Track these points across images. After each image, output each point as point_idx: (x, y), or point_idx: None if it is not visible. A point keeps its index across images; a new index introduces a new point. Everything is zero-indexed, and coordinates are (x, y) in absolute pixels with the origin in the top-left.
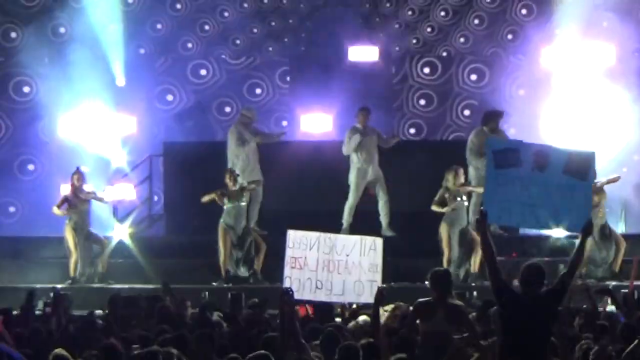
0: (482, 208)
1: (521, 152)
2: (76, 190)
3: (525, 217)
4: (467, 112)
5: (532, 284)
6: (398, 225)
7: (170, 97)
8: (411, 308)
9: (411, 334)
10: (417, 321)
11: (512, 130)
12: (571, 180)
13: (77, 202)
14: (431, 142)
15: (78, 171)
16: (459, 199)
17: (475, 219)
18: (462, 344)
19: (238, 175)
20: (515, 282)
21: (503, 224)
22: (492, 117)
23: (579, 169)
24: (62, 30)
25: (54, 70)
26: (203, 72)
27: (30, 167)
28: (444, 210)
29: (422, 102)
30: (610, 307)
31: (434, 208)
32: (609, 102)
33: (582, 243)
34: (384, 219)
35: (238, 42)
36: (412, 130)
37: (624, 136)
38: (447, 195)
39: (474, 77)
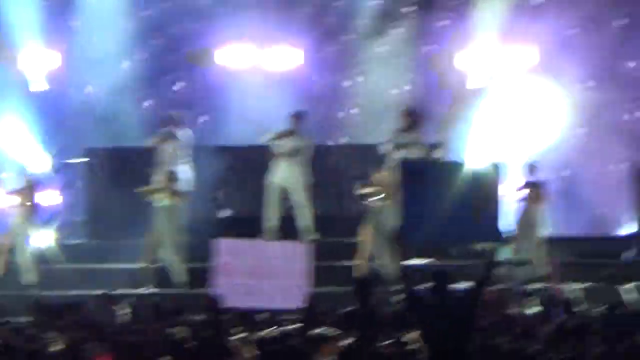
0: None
1: (429, 170)
2: None
3: (439, 232)
4: None
5: (438, 289)
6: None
7: None
8: None
9: None
10: None
11: None
12: (478, 193)
13: None
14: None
15: None
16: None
17: None
18: None
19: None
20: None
21: (420, 240)
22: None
23: (486, 183)
24: None
25: None
26: None
27: None
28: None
29: None
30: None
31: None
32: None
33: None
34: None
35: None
36: None
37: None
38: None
39: None
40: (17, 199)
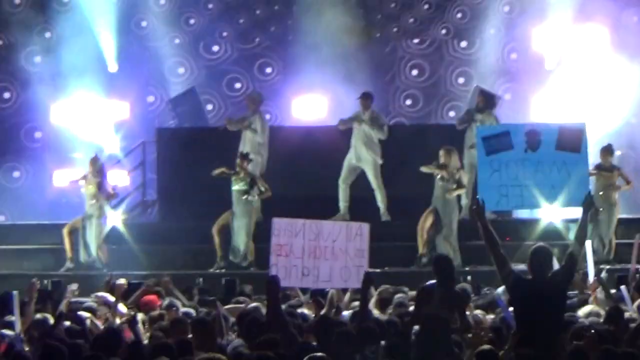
0: (478, 197)
1: (511, 135)
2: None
3: (523, 199)
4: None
5: (541, 268)
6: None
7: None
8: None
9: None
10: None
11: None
12: (565, 155)
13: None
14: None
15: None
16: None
17: (472, 209)
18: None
19: (250, 160)
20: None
21: (502, 210)
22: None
23: (571, 143)
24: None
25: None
26: (181, 70)
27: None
28: (435, 171)
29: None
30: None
31: (424, 169)
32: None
33: (585, 217)
34: (380, 204)
35: (225, 34)
36: (409, 102)
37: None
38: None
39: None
40: (89, 180)
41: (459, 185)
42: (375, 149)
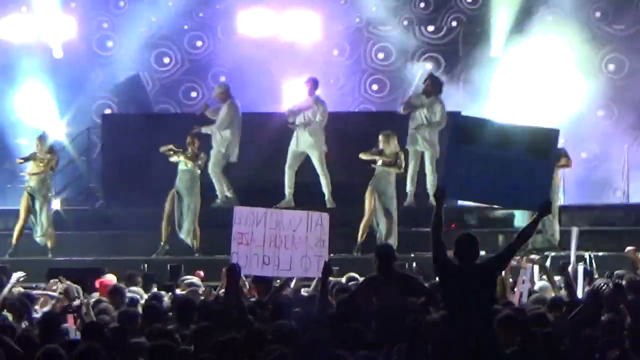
0: (439, 184)
1: (483, 129)
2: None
3: (482, 194)
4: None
5: (467, 255)
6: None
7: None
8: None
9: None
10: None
11: None
12: (533, 158)
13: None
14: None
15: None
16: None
17: (434, 194)
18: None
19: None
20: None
21: (461, 200)
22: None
23: (542, 148)
24: None
25: None
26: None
27: None
28: (375, 159)
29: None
30: (543, 282)
31: (363, 156)
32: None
33: (537, 221)
34: (325, 190)
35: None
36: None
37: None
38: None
39: None
40: (35, 165)
41: (398, 167)
42: (319, 136)
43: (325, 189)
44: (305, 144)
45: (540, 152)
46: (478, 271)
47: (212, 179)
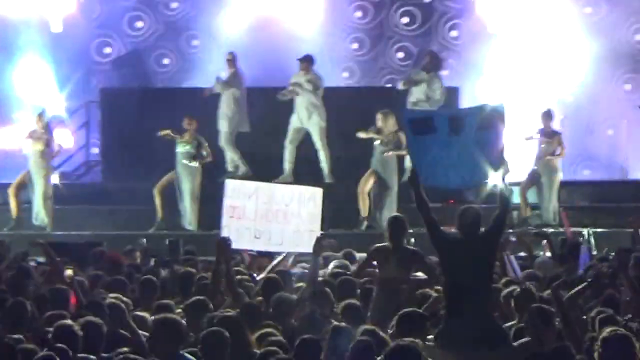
0: (413, 167)
1: (434, 120)
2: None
3: (449, 178)
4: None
5: (469, 228)
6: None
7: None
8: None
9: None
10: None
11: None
12: (485, 134)
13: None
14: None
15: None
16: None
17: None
18: (414, 286)
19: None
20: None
21: (431, 185)
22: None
23: (491, 123)
24: None
25: None
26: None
27: None
28: (373, 137)
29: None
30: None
31: (362, 134)
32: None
33: (502, 184)
34: (324, 165)
35: None
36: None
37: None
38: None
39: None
40: (33, 140)
41: (398, 147)
42: (320, 111)
43: (325, 164)
44: (305, 119)
45: (490, 126)
46: (478, 243)
47: (225, 152)
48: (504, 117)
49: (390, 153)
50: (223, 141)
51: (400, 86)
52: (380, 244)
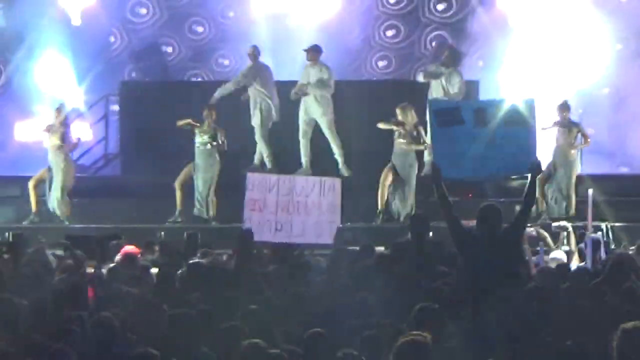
0: (434, 162)
1: (462, 111)
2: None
3: (475, 170)
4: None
5: (490, 226)
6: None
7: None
8: None
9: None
10: None
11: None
12: (513, 129)
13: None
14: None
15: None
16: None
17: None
18: None
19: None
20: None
21: (455, 178)
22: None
23: (521, 119)
24: None
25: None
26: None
27: None
28: (392, 128)
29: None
30: (565, 247)
31: (382, 125)
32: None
33: (532, 183)
34: (338, 157)
35: None
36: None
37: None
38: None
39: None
40: (50, 133)
41: (418, 141)
42: (327, 103)
43: (338, 156)
44: (313, 111)
45: (520, 123)
46: (500, 242)
47: (259, 144)
48: (534, 112)
49: (413, 148)
50: (257, 135)
51: (420, 78)
52: (402, 240)
